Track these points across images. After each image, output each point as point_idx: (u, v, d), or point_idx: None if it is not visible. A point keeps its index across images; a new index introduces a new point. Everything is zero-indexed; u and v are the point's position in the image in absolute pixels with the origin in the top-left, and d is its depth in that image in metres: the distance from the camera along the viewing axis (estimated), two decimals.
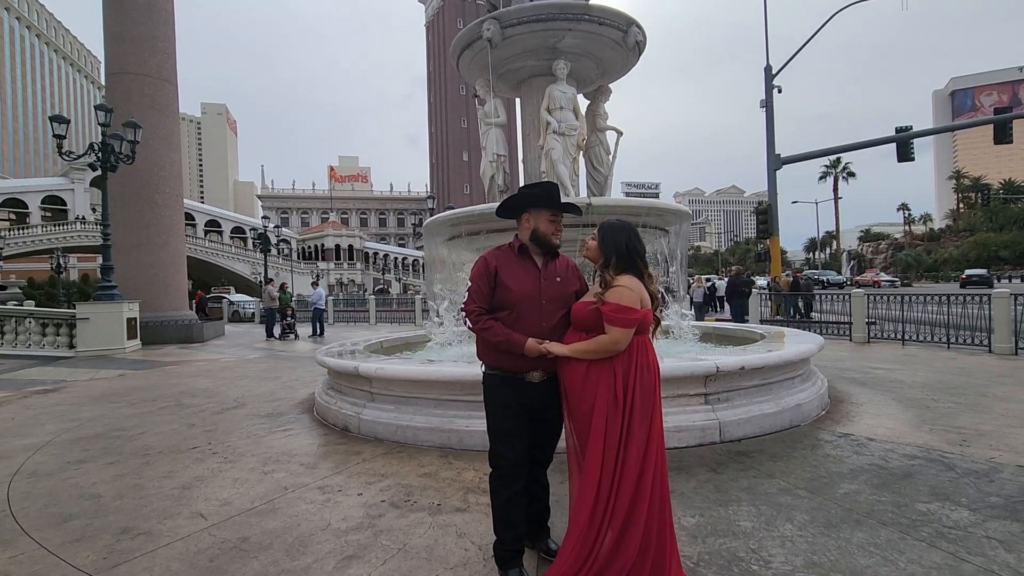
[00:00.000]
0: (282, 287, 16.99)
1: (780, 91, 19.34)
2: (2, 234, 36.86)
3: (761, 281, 25.12)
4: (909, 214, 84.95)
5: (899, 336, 10.95)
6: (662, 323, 2.55)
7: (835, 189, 64.97)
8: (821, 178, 66.74)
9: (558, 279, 2.48)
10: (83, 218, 48.21)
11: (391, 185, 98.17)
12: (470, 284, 2.45)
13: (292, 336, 16.00)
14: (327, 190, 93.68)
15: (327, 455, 4.24)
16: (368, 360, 5.15)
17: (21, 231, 45.02)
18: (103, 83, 15.88)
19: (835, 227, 69.92)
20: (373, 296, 26.43)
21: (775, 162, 19.05)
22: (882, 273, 54.80)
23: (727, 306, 16.00)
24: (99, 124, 12.73)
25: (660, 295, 2.45)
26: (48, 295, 30.79)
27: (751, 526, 2.78)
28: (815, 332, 9.35)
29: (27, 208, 49.96)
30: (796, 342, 5.51)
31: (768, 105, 19.13)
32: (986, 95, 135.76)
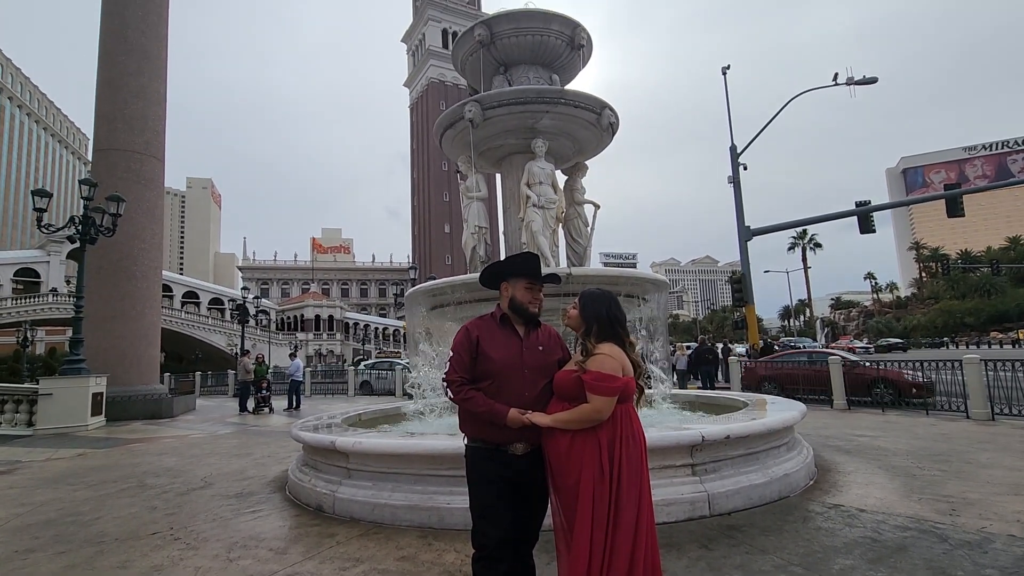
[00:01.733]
0: (258, 359, 16.59)
1: (745, 168, 20.49)
2: None
3: (740, 348, 25.40)
4: (876, 283, 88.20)
5: (878, 404, 11.02)
6: (644, 392, 2.54)
7: (804, 259, 67.47)
8: (790, 248, 69.49)
9: (540, 348, 2.48)
10: (55, 290, 47.23)
11: (373, 256, 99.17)
12: (451, 354, 2.44)
13: (267, 410, 15.43)
14: (309, 261, 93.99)
15: (298, 538, 3.99)
16: (345, 433, 4.98)
17: None
18: (86, 155, 16.11)
19: (807, 295, 71.88)
20: (352, 367, 25.89)
21: (746, 234, 19.84)
22: (855, 340, 56.01)
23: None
24: (82, 197, 12.78)
25: (642, 363, 2.47)
26: (11, 370, 29.53)
27: None
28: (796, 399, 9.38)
29: None
30: (778, 410, 5.51)
31: (735, 181, 20.17)
32: (935, 172, 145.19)
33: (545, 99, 6.52)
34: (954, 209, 18.70)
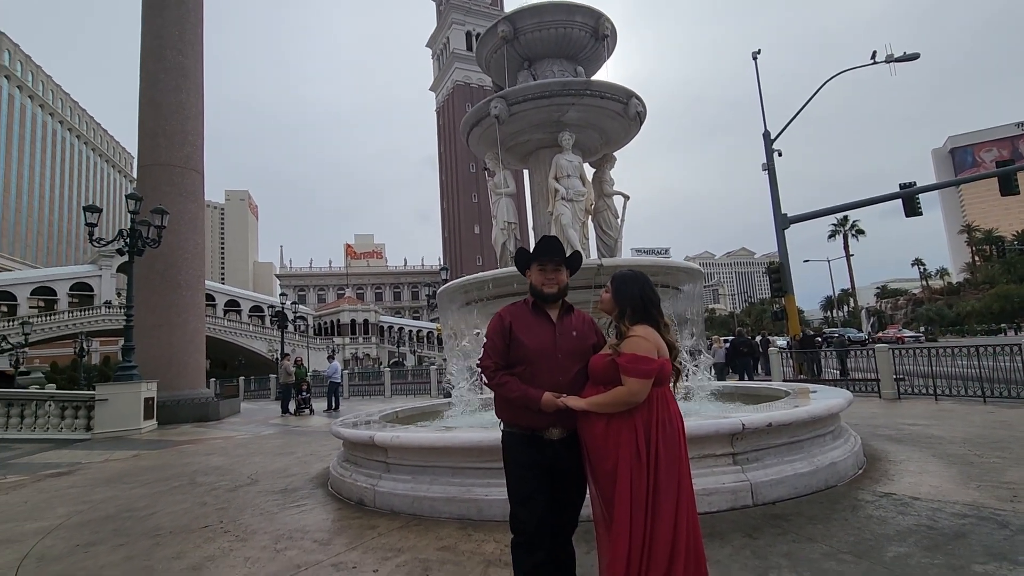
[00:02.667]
0: (297, 362, 17.03)
1: (780, 155, 19.89)
2: (31, 320, 37.85)
3: (781, 341, 24.67)
4: (924, 269, 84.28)
5: (931, 391, 10.54)
6: (681, 374, 2.50)
7: (846, 247, 65.01)
8: (831, 236, 67.00)
9: (574, 333, 2.47)
10: (109, 303, 49.57)
11: (405, 260, 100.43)
12: (486, 341, 2.46)
13: (307, 411, 15.83)
14: (343, 267, 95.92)
15: (341, 530, 4.08)
16: (384, 429, 5.06)
17: (48, 317, 46.24)
18: (131, 173, 16.89)
19: (850, 284, 69.25)
20: (388, 369, 26.30)
21: (783, 222, 19.26)
22: (904, 329, 53.54)
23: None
24: (129, 212, 13.38)
25: (678, 345, 2.43)
26: (70, 378, 31.16)
27: None
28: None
29: (56, 295, 51.65)
30: (823, 397, 5.34)
31: (770, 168, 19.60)
32: (986, 151, 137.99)
33: (570, 91, 6.49)
34: (1008, 187, 17.74)
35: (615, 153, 7.82)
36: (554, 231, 6.66)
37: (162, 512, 4.97)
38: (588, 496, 2.39)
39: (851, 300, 76.87)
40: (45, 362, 46.22)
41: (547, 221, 6.83)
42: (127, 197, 13.62)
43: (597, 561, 2.29)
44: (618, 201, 7.49)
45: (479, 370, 2.47)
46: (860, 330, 52.88)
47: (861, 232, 65.80)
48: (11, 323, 39.47)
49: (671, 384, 2.39)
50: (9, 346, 30.44)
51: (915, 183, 18.43)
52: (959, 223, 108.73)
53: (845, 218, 64.72)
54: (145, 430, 12.45)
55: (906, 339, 42.01)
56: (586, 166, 7.84)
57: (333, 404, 16.57)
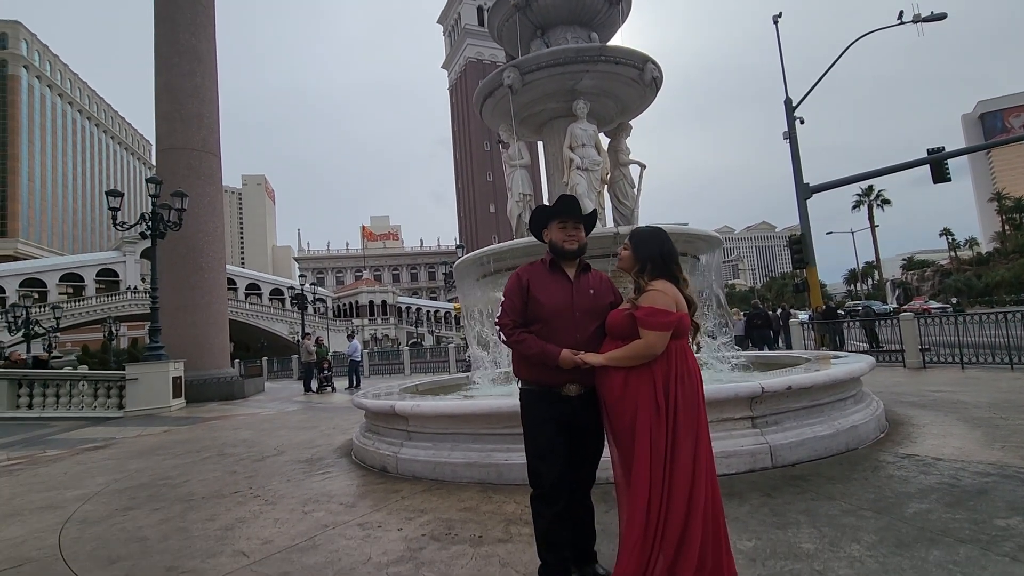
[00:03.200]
0: (318, 341, 17.33)
1: (802, 122, 19.33)
2: (61, 306, 38.97)
3: (803, 316, 24.34)
4: (953, 239, 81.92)
5: (957, 360, 10.36)
6: (700, 329, 2.49)
7: (871, 217, 63.32)
8: (855, 207, 65.28)
9: (591, 291, 2.47)
10: (134, 288, 50.72)
11: (421, 240, 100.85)
12: (503, 300, 2.46)
13: (329, 389, 16.16)
14: (360, 249, 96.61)
15: (366, 494, 4.20)
16: (404, 399, 5.15)
17: (77, 303, 47.56)
18: (150, 159, 17.12)
19: (875, 255, 67.67)
20: (407, 348, 26.62)
21: (804, 191, 18.82)
22: (931, 300, 52.21)
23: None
24: (150, 195, 13.61)
25: (696, 300, 2.41)
26: (101, 361, 32.12)
27: (814, 548, 2.60)
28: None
29: (83, 281, 53.03)
30: (844, 362, 5.28)
31: (792, 136, 19.09)
32: (1015, 116, 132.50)
33: (584, 58, 6.37)
34: None
35: (631, 122, 7.69)
36: None
37: (194, 480, 5.15)
38: (609, 458, 2.41)
39: (875, 272, 75.23)
40: (76, 346, 47.63)
41: (562, 191, 6.77)
42: (147, 181, 13.85)
43: (617, 519, 2.31)
44: (634, 171, 7.39)
45: (497, 338, 2.48)
46: (885, 303, 51.88)
47: (887, 202, 63.91)
48: (42, 309, 40.64)
49: (691, 339, 2.39)
50: (43, 330, 31.43)
51: (943, 148, 17.82)
52: (989, 191, 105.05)
53: (870, 188, 62.91)
54: (174, 408, 12.84)
55: (932, 311, 41.06)
56: (601, 136, 7.74)
57: (354, 382, 16.87)
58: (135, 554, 3.22)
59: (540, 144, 8.07)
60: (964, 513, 2.88)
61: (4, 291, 47.26)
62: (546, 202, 8.14)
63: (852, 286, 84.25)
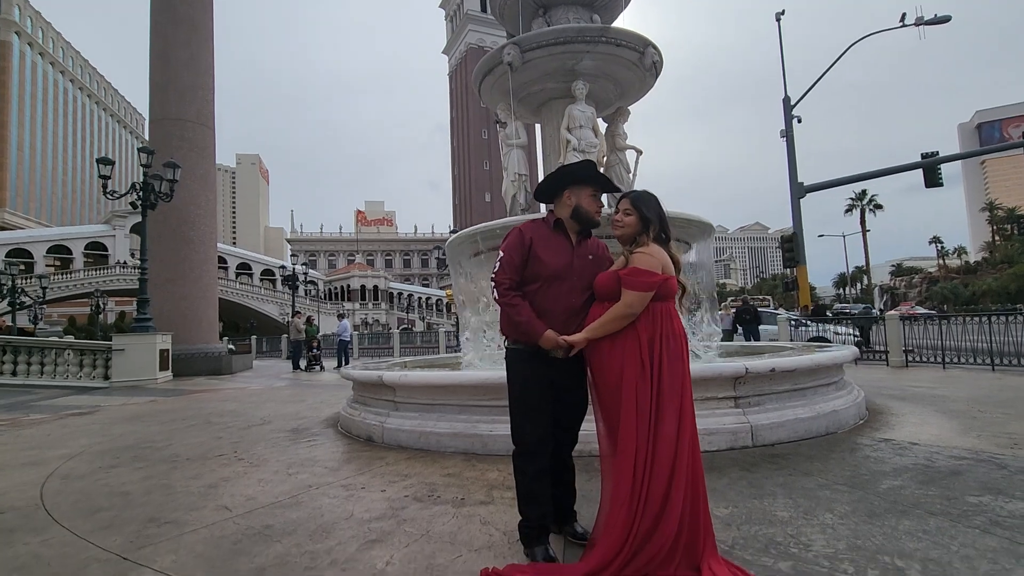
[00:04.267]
0: (308, 320, 17.28)
1: (800, 121, 19.43)
2: (48, 277, 38.54)
3: (792, 315, 24.53)
4: (942, 247, 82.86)
5: (939, 361, 10.52)
6: (687, 291, 2.52)
7: (862, 222, 63.82)
8: (847, 211, 65.79)
9: (590, 257, 2.47)
10: (123, 263, 50.23)
11: (415, 227, 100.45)
12: (502, 255, 2.40)
13: (318, 368, 16.15)
14: (353, 233, 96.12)
15: (351, 460, 4.22)
16: (392, 370, 5.17)
17: (65, 275, 47.04)
18: (142, 133, 16.89)
19: (864, 260, 68.26)
20: (397, 331, 26.61)
21: (798, 190, 18.95)
22: (918, 307, 52.92)
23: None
24: (141, 165, 13.44)
25: (681, 260, 2.44)
26: (88, 334, 31.85)
27: (788, 516, 2.66)
28: None
29: (71, 254, 52.42)
30: (828, 350, 5.35)
31: (788, 135, 19.19)
32: (1014, 126, 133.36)
33: (586, 38, 6.34)
34: None
35: (629, 108, 7.69)
36: None
37: (178, 444, 5.15)
38: (593, 432, 2.42)
39: (865, 277, 75.94)
40: (63, 319, 47.21)
41: None
42: (139, 150, 13.67)
43: (600, 486, 2.32)
44: (631, 156, 7.39)
45: (493, 283, 2.43)
46: (872, 306, 52.44)
47: (879, 207, 64.47)
48: (29, 280, 40.14)
49: (677, 301, 2.41)
50: (29, 301, 31.06)
51: (937, 152, 17.97)
52: (981, 201, 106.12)
53: (863, 192, 63.47)
54: (161, 380, 12.78)
55: (918, 316, 41.45)
56: (599, 121, 7.73)
57: (343, 362, 16.84)
58: (117, 506, 3.23)
59: (538, 127, 8.06)
60: (937, 490, 2.95)
61: None
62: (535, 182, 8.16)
63: (841, 290, 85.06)
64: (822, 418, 4.37)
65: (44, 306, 39.28)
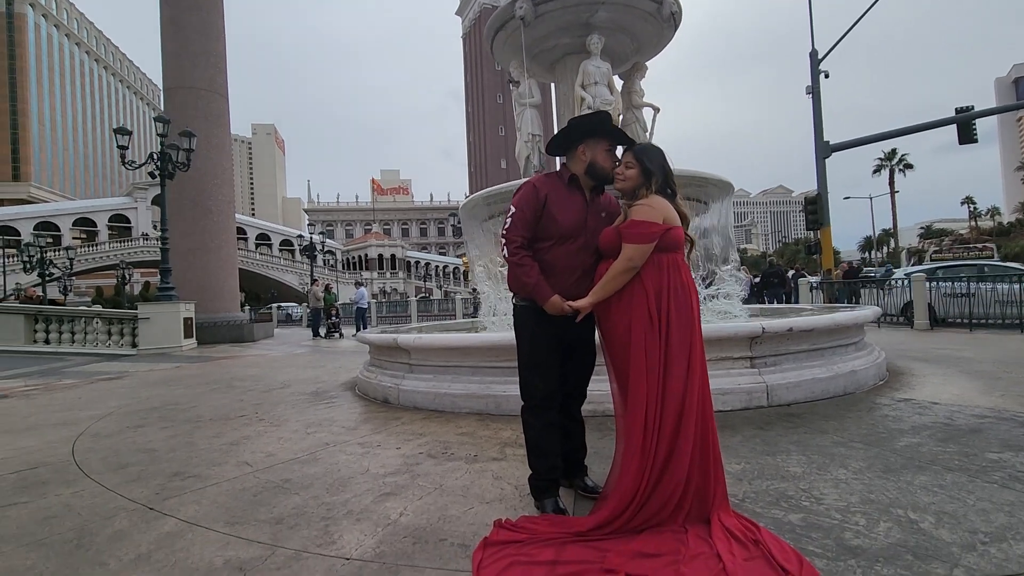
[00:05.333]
0: (327, 288, 17.49)
1: (827, 76, 18.61)
2: (75, 249, 39.49)
3: (813, 280, 24.01)
4: (975, 208, 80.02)
5: (966, 322, 10.27)
6: (695, 244, 2.45)
7: (891, 182, 61.58)
8: (875, 171, 63.47)
9: (603, 214, 2.40)
10: (146, 235, 51.12)
11: (431, 195, 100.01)
12: (513, 211, 2.32)
13: (337, 335, 16.42)
14: (370, 202, 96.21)
15: (367, 420, 4.30)
16: (407, 333, 5.21)
17: (91, 248, 48.15)
18: (158, 103, 16.88)
19: (892, 222, 66.23)
20: (415, 299, 26.84)
21: (824, 149, 18.31)
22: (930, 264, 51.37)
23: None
24: (158, 135, 13.49)
25: (689, 214, 2.36)
26: (114, 304, 32.72)
27: (801, 471, 2.64)
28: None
29: (96, 226, 53.47)
30: (848, 310, 5.24)
31: (815, 90, 18.43)
32: None
33: None
34: None
35: (646, 63, 7.43)
36: None
37: (202, 406, 5.30)
38: (606, 391, 2.40)
39: (892, 240, 73.92)
40: (90, 291, 48.52)
41: None
42: (155, 119, 13.69)
43: (614, 443, 2.32)
44: (647, 113, 7.19)
45: (504, 239, 2.34)
46: (896, 268, 51.21)
47: (909, 167, 61.97)
48: (57, 252, 41.18)
49: (686, 254, 2.35)
50: (58, 272, 31.95)
51: (972, 107, 17.14)
52: (1017, 160, 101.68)
53: (893, 151, 61.10)
54: (185, 348, 13.13)
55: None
56: (616, 79, 7.50)
57: (361, 329, 17.10)
58: (144, 461, 3.34)
59: (553, 86, 7.84)
60: (955, 447, 2.90)
61: (19, 233, 47.80)
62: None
63: (867, 253, 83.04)
64: (840, 378, 4.31)
65: (73, 278, 40.47)
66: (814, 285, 16.61)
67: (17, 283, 31.09)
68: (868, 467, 2.64)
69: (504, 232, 2.34)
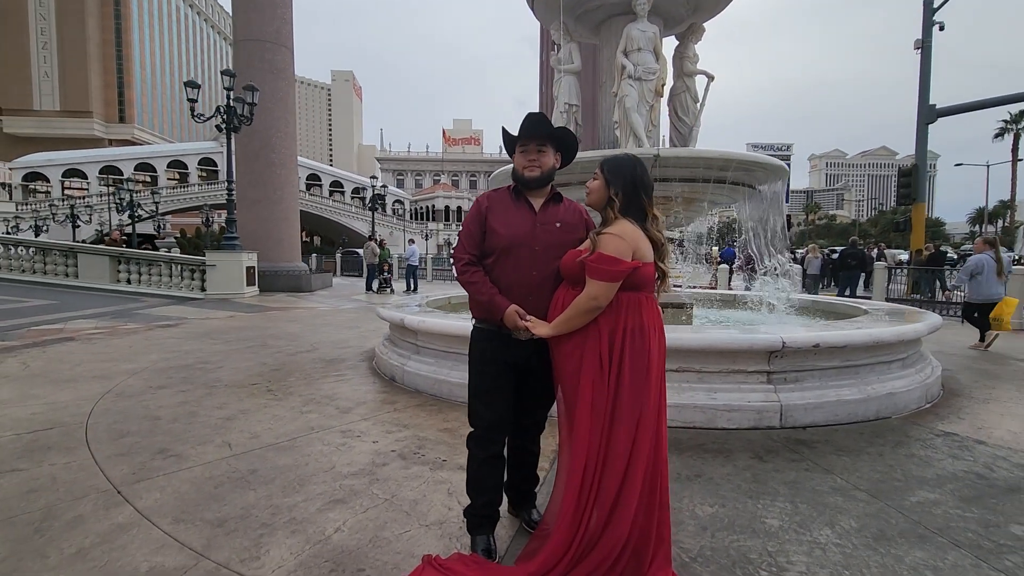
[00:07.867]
0: (381, 243, 17.88)
1: (942, 28, 16.26)
2: (160, 191, 42.49)
3: (903, 255, 21.80)
4: None
5: None
6: (668, 278, 2.15)
7: (1014, 149, 54.13)
8: (997, 135, 55.80)
9: (558, 224, 2.18)
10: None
11: (500, 148, 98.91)
12: (462, 228, 2.26)
13: (388, 291, 16.86)
14: (440, 153, 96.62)
15: (365, 402, 4.34)
16: (416, 314, 5.16)
17: (181, 189, 51.82)
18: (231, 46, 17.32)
19: (1011, 194, 58.79)
20: None
21: (929, 114, 16.18)
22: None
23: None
24: (224, 88, 13.93)
25: (666, 242, 2.08)
26: (195, 245, 35.25)
27: (778, 525, 2.37)
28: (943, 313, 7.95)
29: (187, 168, 57.25)
30: (901, 321, 4.65)
31: (924, 44, 16.18)
32: None
33: None
34: None
35: (705, 24, 6.69)
36: (617, 115, 6.00)
37: (228, 367, 5.57)
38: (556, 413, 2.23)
39: (1009, 213, 65.86)
40: (175, 229, 52.45)
41: (611, 103, 6.13)
42: (222, 73, 14.11)
43: (557, 458, 2.17)
44: (700, 82, 6.53)
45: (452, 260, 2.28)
46: (1011, 250, 45.73)
47: None
48: (143, 194, 44.56)
49: (656, 289, 2.09)
50: (146, 213, 34.64)
51: None
52: None
53: (1021, 113, 53.50)
54: (247, 295, 13.93)
55: None
56: (670, 40, 6.86)
57: (412, 286, 17.46)
58: (143, 431, 3.53)
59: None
60: (978, 512, 2.50)
61: (122, 173, 52.00)
62: (602, 113, 7.47)
63: (977, 227, 74.63)
64: (873, 401, 3.86)
65: (168, 216, 43.65)
66: (893, 268, 15.08)
67: (120, 218, 34.01)
68: (859, 529, 2.33)
69: (453, 252, 2.25)
